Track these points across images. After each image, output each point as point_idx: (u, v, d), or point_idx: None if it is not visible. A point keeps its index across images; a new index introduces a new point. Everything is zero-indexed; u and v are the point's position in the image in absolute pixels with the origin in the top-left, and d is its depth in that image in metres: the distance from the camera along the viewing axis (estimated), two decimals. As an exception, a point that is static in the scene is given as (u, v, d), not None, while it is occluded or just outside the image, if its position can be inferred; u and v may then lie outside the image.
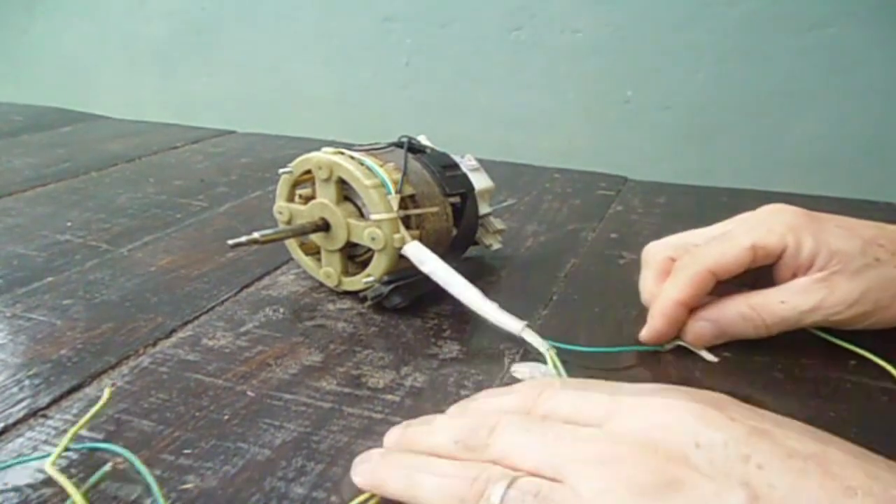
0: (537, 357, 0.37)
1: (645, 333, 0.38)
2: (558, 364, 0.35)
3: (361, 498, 0.27)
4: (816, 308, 0.35)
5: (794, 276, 0.36)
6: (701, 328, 0.38)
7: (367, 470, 0.28)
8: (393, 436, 0.30)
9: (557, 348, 0.37)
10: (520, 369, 0.36)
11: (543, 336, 0.37)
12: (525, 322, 0.38)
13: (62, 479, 0.27)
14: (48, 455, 0.29)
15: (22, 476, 0.29)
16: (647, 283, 0.41)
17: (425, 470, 0.26)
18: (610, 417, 0.25)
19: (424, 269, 0.41)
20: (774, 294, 0.36)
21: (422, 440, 0.28)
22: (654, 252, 0.41)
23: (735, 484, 0.21)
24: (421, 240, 0.42)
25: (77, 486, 0.27)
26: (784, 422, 0.24)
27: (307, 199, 0.45)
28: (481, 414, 0.28)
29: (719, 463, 0.21)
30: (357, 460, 0.28)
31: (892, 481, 0.20)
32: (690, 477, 0.21)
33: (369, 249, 0.43)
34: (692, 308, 0.38)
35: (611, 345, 0.39)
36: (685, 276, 0.37)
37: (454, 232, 0.46)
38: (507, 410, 0.28)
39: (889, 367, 0.37)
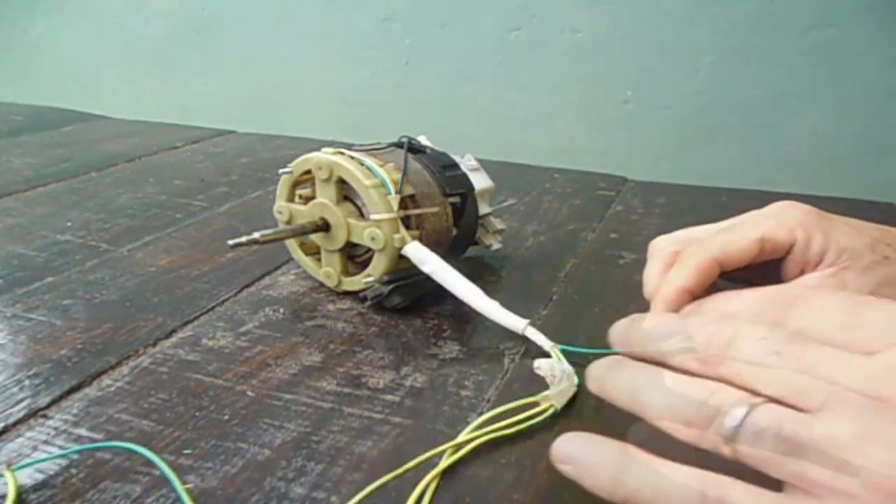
0: (538, 356, 0.37)
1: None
2: (563, 361, 0.35)
3: (360, 496, 0.27)
4: None
5: (802, 272, 0.36)
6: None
7: (596, 379, 0.25)
8: (618, 330, 0.27)
9: (563, 348, 0.37)
10: (542, 366, 0.36)
11: (544, 335, 0.38)
12: (527, 320, 0.38)
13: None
14: (51, 456, 0.29)
15: (22, 476, 0.29)
16: (652, 275, 0.39)
17: (650, 384, 0.23)
18: (887, 346, 0.20)
19: (425, 268, 0.41)
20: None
21: (647, 343, 0.25)
22: (661, 245, 0.40)
23: None
24: (421, 240, 0.42)
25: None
26: None
27: (307, 200, 0.45)
28: (718, 318, 0.24)
29: None
30: (590, 367, 0.26)
31: None
32: None
33: (369, 249, 0.43)
34: (695, 298, 0.37)
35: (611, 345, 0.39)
36: (691, 264, 0.36)
37: (454, 232, 0.46)
38: (749, 316, 0.24)
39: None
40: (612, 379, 0.24)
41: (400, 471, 0.28)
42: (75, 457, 0.30)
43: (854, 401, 0.19)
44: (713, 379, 0.22)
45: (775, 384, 0.20)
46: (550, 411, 0.32)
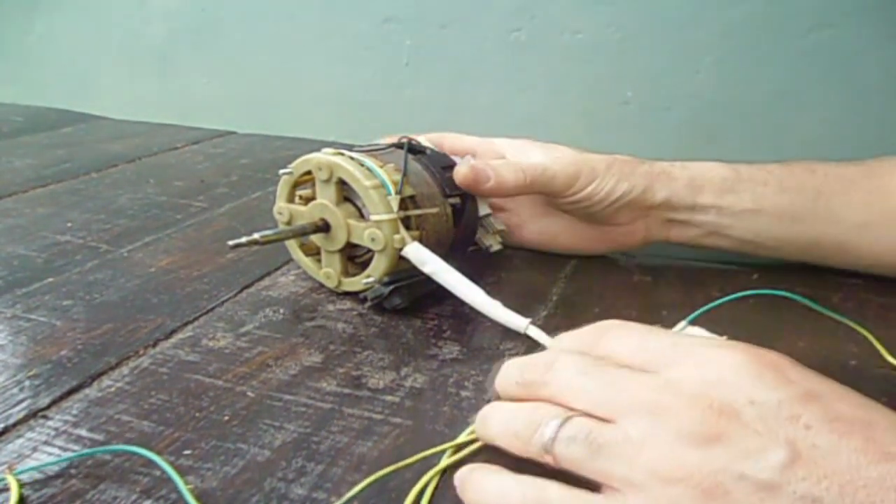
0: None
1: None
2: None
3: (356, 489, 0.27)
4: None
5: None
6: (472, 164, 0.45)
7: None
8: (493, 379, 0.31)
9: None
10: None
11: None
12: (529, 320, 0.38)
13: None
14: (55, 460, 0.29)
15: (22, 476, 0.29)
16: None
17: (494, 412, 0.28)
18: (669, 365, 0.25)
19: (425, 269, 0.41)
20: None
21: (497, 384, 0.30)
22: None
23: (780, 441, 0.21)
24: (421, 241, 0.42)
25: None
26: (839, 388, 0.24)
27: (307, 200, 0.45)
28: (543, 353, 0.30)
29: (769, 420, 0.22)
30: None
31: None
32: (737, 431, 0.22)
33: (369, 250, 0.43)
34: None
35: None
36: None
37: (454, 233, 0.46)
38: (568, 349, 0.29)
39: (891, 358, 0.37)
40: (479, 417, 0.29)
41: (400, 465, 0.28)
42: (75, 457, 0.30)
43: (642, 409, 0.24)
44: (540, 401, 0.27)
45: (583, 399, 0.25)
46: None
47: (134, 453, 0.30)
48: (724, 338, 0.38)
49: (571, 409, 0.25)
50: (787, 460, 0.21)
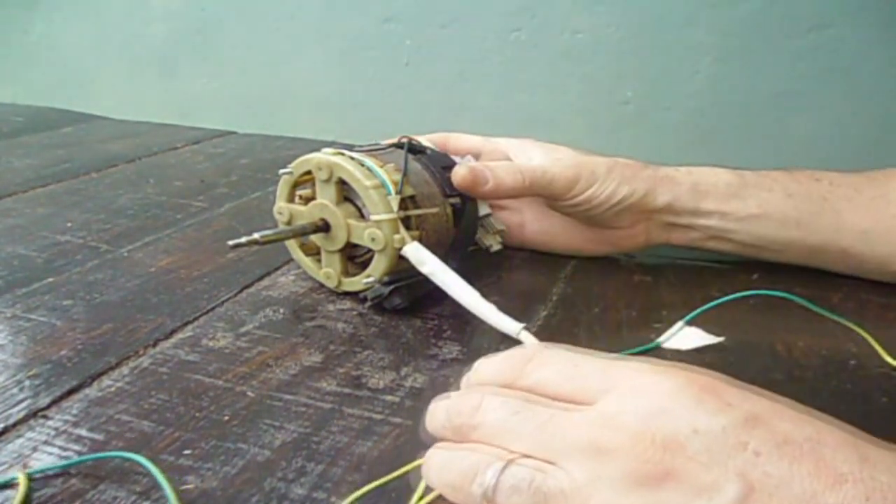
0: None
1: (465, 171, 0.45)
2: None
3: (357, 494, 0.27)
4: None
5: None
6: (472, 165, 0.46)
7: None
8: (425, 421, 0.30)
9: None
10: None
11: (543, 337, 0.38)
12: (523, 324, 0.38)
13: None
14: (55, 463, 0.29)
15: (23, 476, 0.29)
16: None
17: (429, 459, 0.26)
18: (602, 395, 0.24)
19: (424, 269, 0.41)
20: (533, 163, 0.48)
21: (427, 425, 0.28)
22: None
23: (732, 474, 0.21)
24: (421, 240, 0.42)
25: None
26: (778, 403, 0.23)
27: (307, 200, 0.45)
28: (468, 391, 0.27)
29: (717, 450, 0.21)
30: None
31: (882, 465, 0.21)
32: (686, 467, 0.21)
33: (369, 250, 0.43)
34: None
35: (610, 346, 0.39)
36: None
37: (454, 233, 0.46)
38: (491, 382, 0.27)
39: (889, 359, 0.37)
40: (424, 463, 0.27)
41: (402, 471, 0.28)
42: (76, 457, 0.30)
43: (583, 449, 0.23)
44: (472, 443, 0.25)
45: (519, 443, 0.24)
46: None
47: (127, 459, 0.30)
48: (715, 339, 0.38)
49: (510, 451, 0.24)
50: (741, 494, 0.20)
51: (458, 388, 0.29)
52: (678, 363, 0.25)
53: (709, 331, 0.40)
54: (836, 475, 0.20)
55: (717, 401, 0.23)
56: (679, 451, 0.21)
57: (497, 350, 0.38)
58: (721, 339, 0.39)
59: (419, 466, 0.27)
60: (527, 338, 0.37)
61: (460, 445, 0.25)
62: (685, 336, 0.40)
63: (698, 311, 0.41)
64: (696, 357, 0.38)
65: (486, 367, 0.28)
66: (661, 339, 0.39)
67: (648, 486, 0.21)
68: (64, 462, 0.29)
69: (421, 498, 0.27)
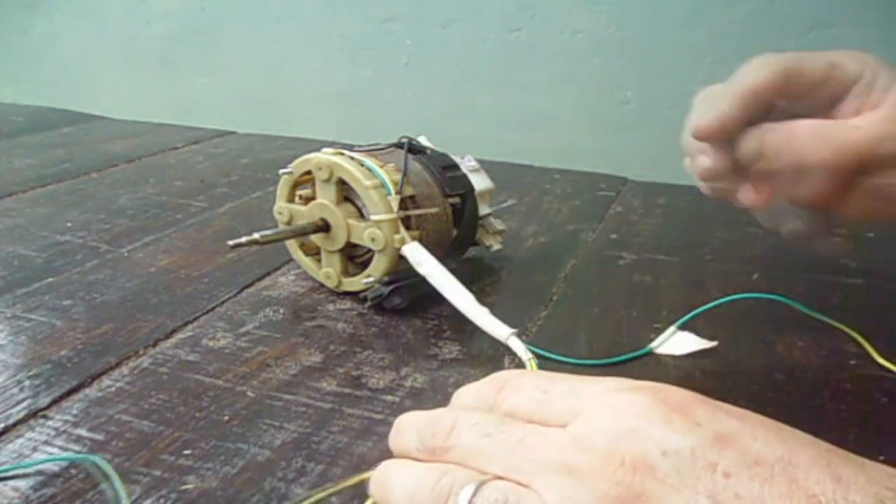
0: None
1: (702, 121, 0.36)
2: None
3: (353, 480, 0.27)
4: (893, 136, 0.33)
5: (858, 112, 0.35)
6: (772, 135, 0.35)
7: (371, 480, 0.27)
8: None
9: (545, 357, 0.37)
10: None
11: (543, 337, 0.37)
12: (512, 330, 0.37)
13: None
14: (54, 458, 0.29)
15: (23, 476, 0.29)
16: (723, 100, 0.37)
17: (395, 478, 0.25)
18: (574, 416, 0.24)
19: (421, 270, 0.41)
20: (848, 123, 0.35)
21: (393, 443, 0.27)
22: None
23: (702, 497, 0.20)
24: (421, 240, 0.42)
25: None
26: (749, 421, 0.23)
27: (307, 200, 0.45)
28: (441, 413, 0.27)
29: (686, 472, 0.21)
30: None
31: (855, 486, 0.20)
32: (657, 489, 0.21)
33: (369, 250, 0.43)
34: (754, 112, 0.36)
35: (610, 346, 0.39)
36: (764, 65, 0.36)
37: (454, 233, 0.46)
38: (467, 406, 0.27)
39: (888, 364, 0.37)
40: (373, 477, 0.26)
41: (353, 480, 0.27)
42: (75, 457, 0.30)
43: (555, 470, 0.22)
44: (446, 463, 0.24)
45: (492, 463, 0.23)
46: None
47: (79, 461, 0.30)
48: (709, 344, 0.37)
49: (483, 473, 0.24)
50: None
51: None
52: (649, 383, 0.25)
53: (705, 334, 0.39)
54: (808, 496, 0.20)
55: (685, 420, 0.22)
56: (649, 472, 0.21)
57: (498, 350, 0.39)
58: (714, 343, 0.38)
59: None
60: (515, 344, 0.37)
61: (430, 466, 0.25)
62: (678, 341, 0.40)
63: (690, 315, 0.41)
64: (695, 361, 0.38)
65: (464, 395, 0.28)
66: (653, 344, 0.39)
67: None
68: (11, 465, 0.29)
69: None
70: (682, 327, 0.40)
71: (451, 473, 0.24)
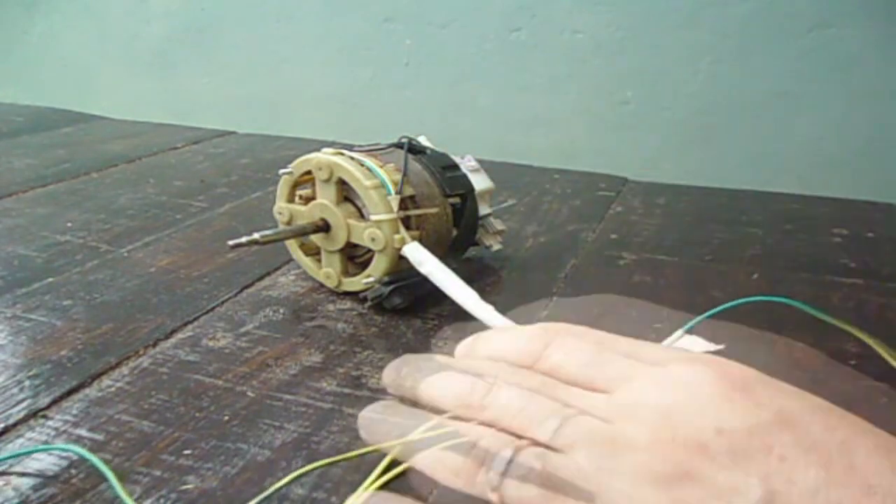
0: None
1: None
2: None
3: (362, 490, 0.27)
4: None
5: None
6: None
7: (366, 426, 0.27)
8: (388, 372, 0.28)
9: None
10: None
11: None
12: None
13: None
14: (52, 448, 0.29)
15: (23, 476, 0.29)
16: None
17: (417, 438, 0.24)
18: (623, 382, 0.23)
19: (423, 269, 0.41)
20: None
21: (423, 395, 0.26)
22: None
23: (753, 479, 0.19)
24: (421, 240, 0.42)
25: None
26: (810, 404, 0.22)
27: (307, 200, 0.45)
28: (479, 368, 0.26)
29: (740, 453, 0.20)
30: (361, 414, 0.27)
31: None
32: (707, 468, 0.20)
33: (369, 250, 0.43)
34: None
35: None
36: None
37: (454, 233, 0.46)
38: (508, 360, 0.26)
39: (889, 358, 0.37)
40: (381, 426, 0.26)
41: (351, 454, 0.28)
42: (75, 457, 0.30)
43: (597, 441, 0.21)
44: (478, 423, 0.23)
45: (530, 429, 0.22)
46: None
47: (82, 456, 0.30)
48: (715, 347, 0.36)
49: (518, 438, 0.23)
50: (761, 501, 0.19)
51: (447, 353, 0.27)
52: (708, 356, 0.24)
53: (705, 335, 0.39)
54: (865, 486, 0.19)
55: (746, 399, 0.21)
56: (700, 451, 0.20)
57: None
58: (721, 346, 0.38)
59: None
60: None
61: (466, 429, 0.24)
62: (685, 344, 0.40)
63: (696, 319, 0.40)
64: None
65: (502, 342, 0.27)
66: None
67: (664, 483, 0.20)
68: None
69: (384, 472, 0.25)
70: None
71: (490, 437, 0.23)
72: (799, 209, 0.62)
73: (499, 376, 0.24)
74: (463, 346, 0.28)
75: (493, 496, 0.22)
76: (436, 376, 0.26)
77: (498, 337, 0.27)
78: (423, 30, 0.90)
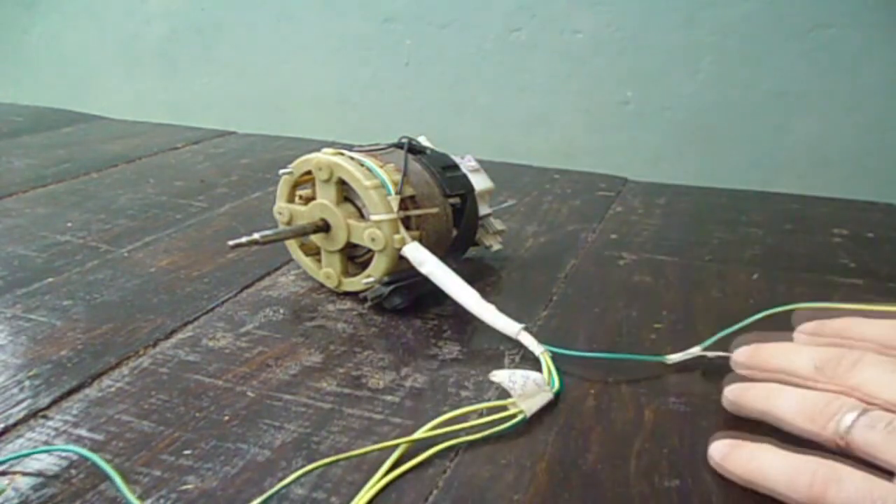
0: (537, 359, 0.37)
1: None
2: (552, 368, 0.35)
3: (363, 495, 0.27)
4: None
5: None
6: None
7: (732, 397, 0.31)
8: (744, 354, 0.32)
9: (553, 352, 0.37)
10: (498, 374, 0.35)
11: (542, 338, 0.37)
12: (522, 325, 0.38)
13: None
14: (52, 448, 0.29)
15: (22, 476, 0.29)
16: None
17: (784, 390, 0.29)
18: None
19: (423, 270, 0.41)
20: None
21: (780, 359, 0.30)
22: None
23: None
24: (421, 241, 0.42)
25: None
26: None
27: (307, 200, 0.45)
28: (845, 345, 0.30)
29: None
30: (726, 391, 0.31)
31: None
32: None
33: (369, 250, 0.43)
34: None
35: (610, 347, 0.39)
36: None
37: (454, 233, 0.46)
38: (871, 340, 0.29)
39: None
40: (747, 393, 0.30)
41: (351, 454, 0.28)
42: (75, 457, 0.30)
43: None
44: (832, 391, 0.28)
45: (886, 394, 0.26)
46: (519, 417, 0.32)
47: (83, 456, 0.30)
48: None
49: (870, 403, 0.26)
50: None
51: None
52: None
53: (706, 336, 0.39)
54: None
55: None
56: None
57: (498, 350, 0.39)
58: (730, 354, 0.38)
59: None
60: (526, 339, 0.37)
61: (820, 392, 0.28)
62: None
63: (715, 336, 0.37)
64: (696, 362, 0.38)
65: (869, 327, 0.30)
66: (670, 356, 0.37)
67: None
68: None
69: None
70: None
71: (841, 399, 0.27)
72: (799, 209, 0.62)
73: (866, 354, 0.28)
74: (742, 353, 0.33)
75: (840, 441, 0.26)
76: (800, 346, 0.31)
77: (861, 324, 0.31)
78: (423, 30, 0.90)
